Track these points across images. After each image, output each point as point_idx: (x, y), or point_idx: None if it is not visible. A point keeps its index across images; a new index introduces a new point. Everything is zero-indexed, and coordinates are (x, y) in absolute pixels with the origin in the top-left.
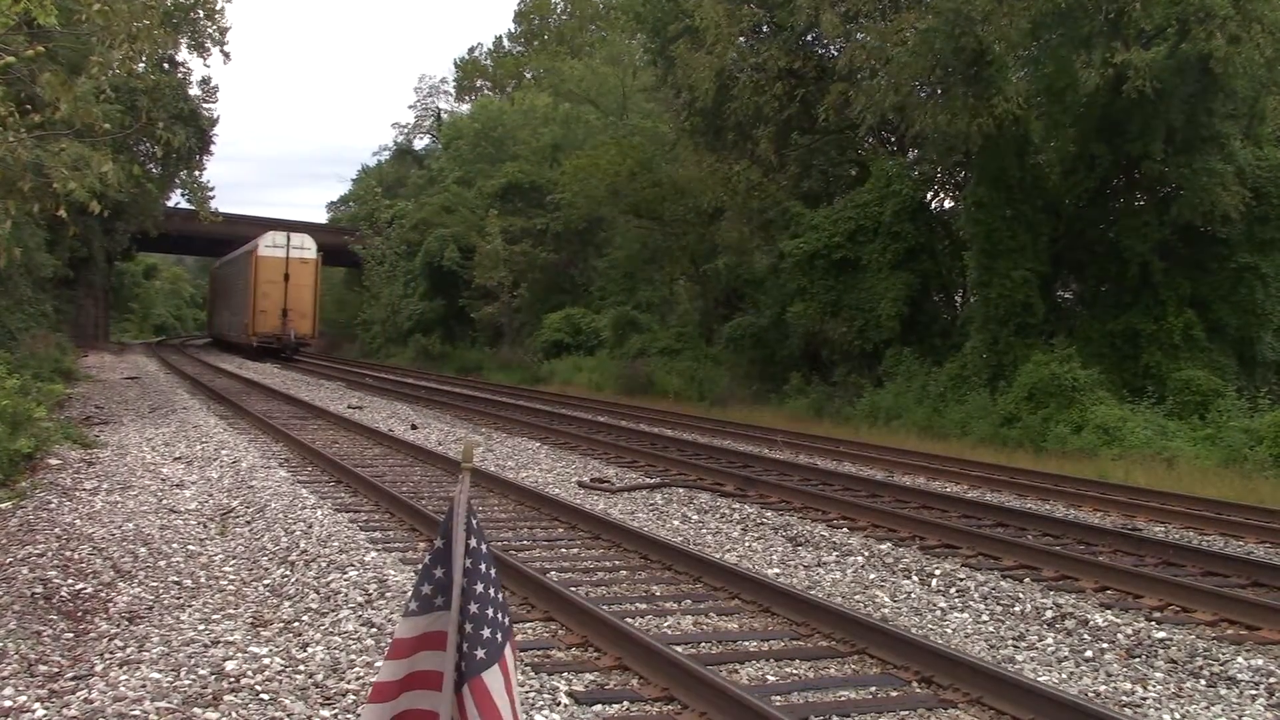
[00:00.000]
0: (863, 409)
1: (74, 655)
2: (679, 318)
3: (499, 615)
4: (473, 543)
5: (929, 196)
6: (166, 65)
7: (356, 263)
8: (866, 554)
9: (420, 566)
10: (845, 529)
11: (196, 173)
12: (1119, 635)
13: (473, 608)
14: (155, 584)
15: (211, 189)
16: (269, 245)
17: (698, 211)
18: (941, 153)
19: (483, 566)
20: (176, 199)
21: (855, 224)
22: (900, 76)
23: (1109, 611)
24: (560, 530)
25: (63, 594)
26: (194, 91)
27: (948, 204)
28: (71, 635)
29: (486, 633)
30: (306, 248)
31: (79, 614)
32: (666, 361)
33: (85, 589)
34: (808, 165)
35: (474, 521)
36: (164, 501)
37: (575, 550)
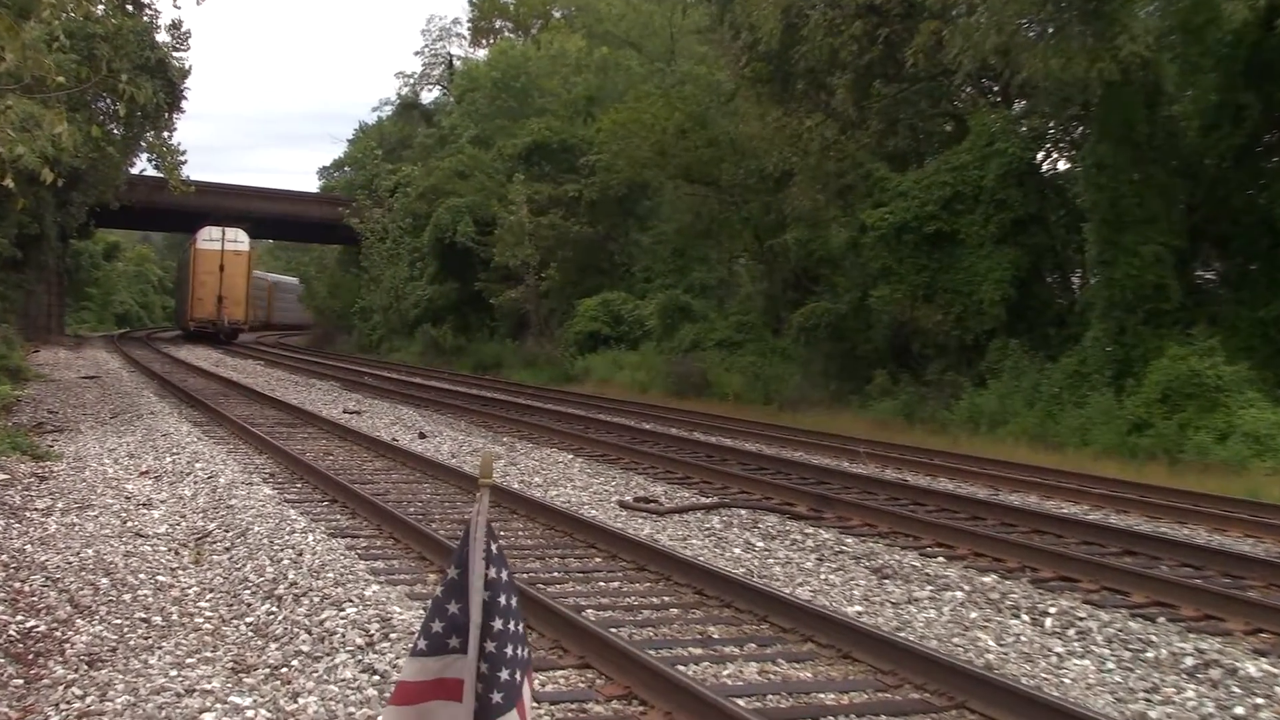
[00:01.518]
0: (961, 413)
1: (24, 706)
2: (740, 303)
3: (519, 650)
4: (492, 572)
5: (1040, 157)
6: (130, 6)
7: (353, 239)
8: (967, 588)
9: (431, 601)
10: (941, 558)
11: (165, 134)
12: (1276, 689)
13: (490, 646)
14: (119, 621)
15: (183, 153)
16: (206, 239)
17: (761, 176)
18: (1055, 104)
19: (503, 599)
20: (142, 165)
21: (951, 190)
22: (1004, 13)
23: (1264, 660)
24: (598, 560)
25: (10, 633)
26: (162, 38)
27: (1062, 166)
28: (21, 682)
29: (505, 674)
30: (240, 241)
31: (29, 656)
32: (725, 356)
33: (37, 627)
34: (893, 120)
35: (494, 548)
36: (129, 524)
37: (616, 584)
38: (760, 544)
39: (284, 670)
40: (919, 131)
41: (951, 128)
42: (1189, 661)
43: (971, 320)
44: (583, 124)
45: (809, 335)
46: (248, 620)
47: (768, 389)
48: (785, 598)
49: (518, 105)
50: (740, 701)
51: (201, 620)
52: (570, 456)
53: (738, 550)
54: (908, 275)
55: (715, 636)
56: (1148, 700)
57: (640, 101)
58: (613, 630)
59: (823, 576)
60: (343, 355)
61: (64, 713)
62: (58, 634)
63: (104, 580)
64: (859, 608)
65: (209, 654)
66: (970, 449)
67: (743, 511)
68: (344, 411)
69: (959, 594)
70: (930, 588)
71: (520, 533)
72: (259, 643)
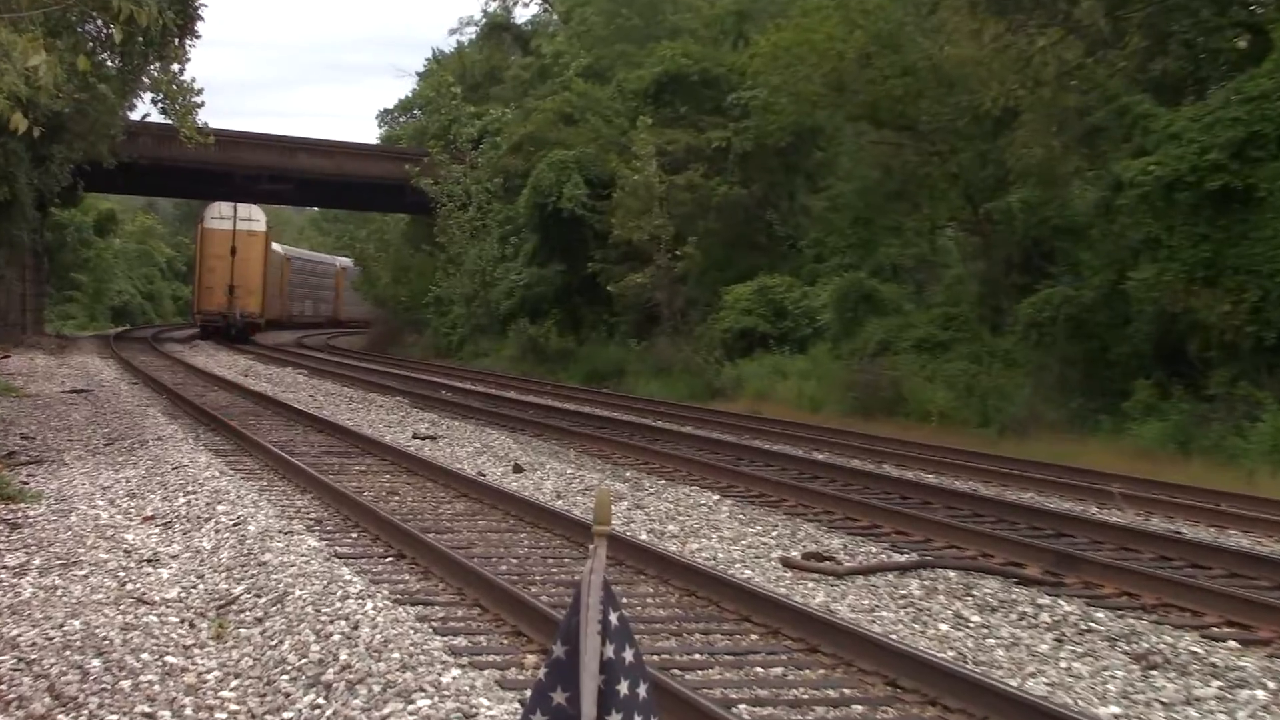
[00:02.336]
0: (1261, 441)
1: None
2: (946, 290)
3: None
4: (611, 650)
5: None
6: None
7: (425, 206)
8: (1272, 686)
9: (531, 689)
10: (1233, 642)
11: (176, 67)
12: None
13: None
14: (114, 717)
15: (199, 92)
16: (215, 217)
17: (976, 115)
18: None
19: (624, 686)
20: (146, 109)
21: (1245, 130)
22: None
23: None
24: (754, 637)
25: None
26: None
27: None
28: None
29: None
30: (255, 219)
31: None
32: (926, 362)
33: None
34: (1161, 35)
35: (614, 618)
36: (128, 587)
37: (778, 670)
38: (976, 618)
39: None
40: (1198, 50)
41: (1246, 43)
42: None
43: (1273, 312)
44: (731, 49)
45: (1041, 333)
46: (285, 716)
47: (984, 406)
48: (1012, 693)
49: (643, 25)
50: None
51: (224, 717)
52: (716, 497)
53: (945, 626)
54: (1181, 249)
55: None
56: None
57: (809, 17)
58: None
59: (1064, 664)
60: (411, 361)
61: None
62: None
63: (95, 662)
64: (1116, 709)
65: None
66: (1274, 491)
67: (951, 573)
68: (414, 437)
69: (1260, 694)
70: (1217, 684)
71: (649, 600)
72: None
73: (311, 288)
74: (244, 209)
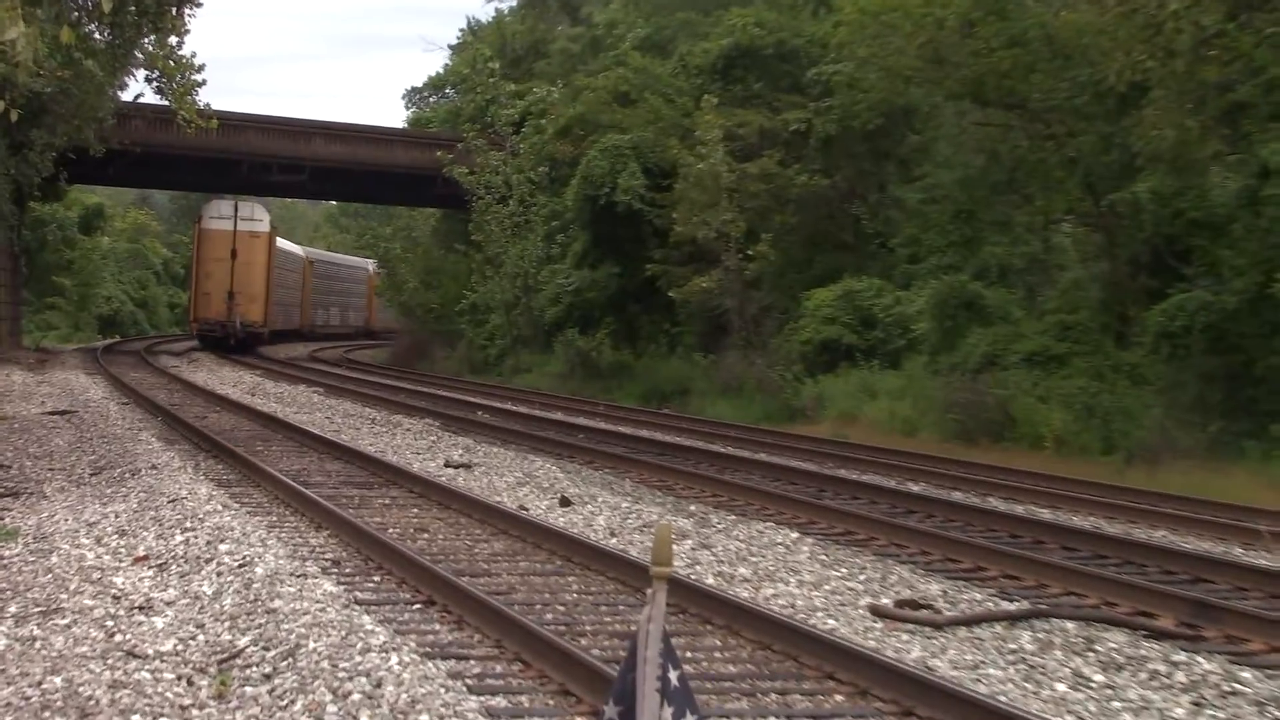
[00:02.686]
0: None
1: None
2: (1063, 295)
3: None
4: (669, 714)
5: None
6: None
7: (459, 199)
8: None
9: None
10: None
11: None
12: None
13: None
14: None
15: (200, 69)
16: (214, 216)
17: (1097, 92)
18: None
19: None
20: (139, 88)
21: None
22: None
23: None
24: (839, 698)
25: None
26: None
27: None
28: None
29: None
30: (258, 219)
31: None
32: (1039, 378)
33: None
34: None
35: (674, 677)
36: (118, 638)
37: None
38: (1099, 677)
39: None
40: None
41: None
42: None
43: None
44: (812, 17)
45: (1175, 345)
46: None
47: (1108, 430)
48: None
49: None
50: None
51: None
52: (795, 535)
53: (1062, 686)
54: None
55: None
56: None
57: None
58: None
59: None
60: (443, 377)
61: None
62: None
63: None
64: None
65: None
66: None
67: (1070, 624)
68: (446, 465)
69: None
70: None
71: (717, 654)
72: None
73: (339, 294)
74: (245, 207)
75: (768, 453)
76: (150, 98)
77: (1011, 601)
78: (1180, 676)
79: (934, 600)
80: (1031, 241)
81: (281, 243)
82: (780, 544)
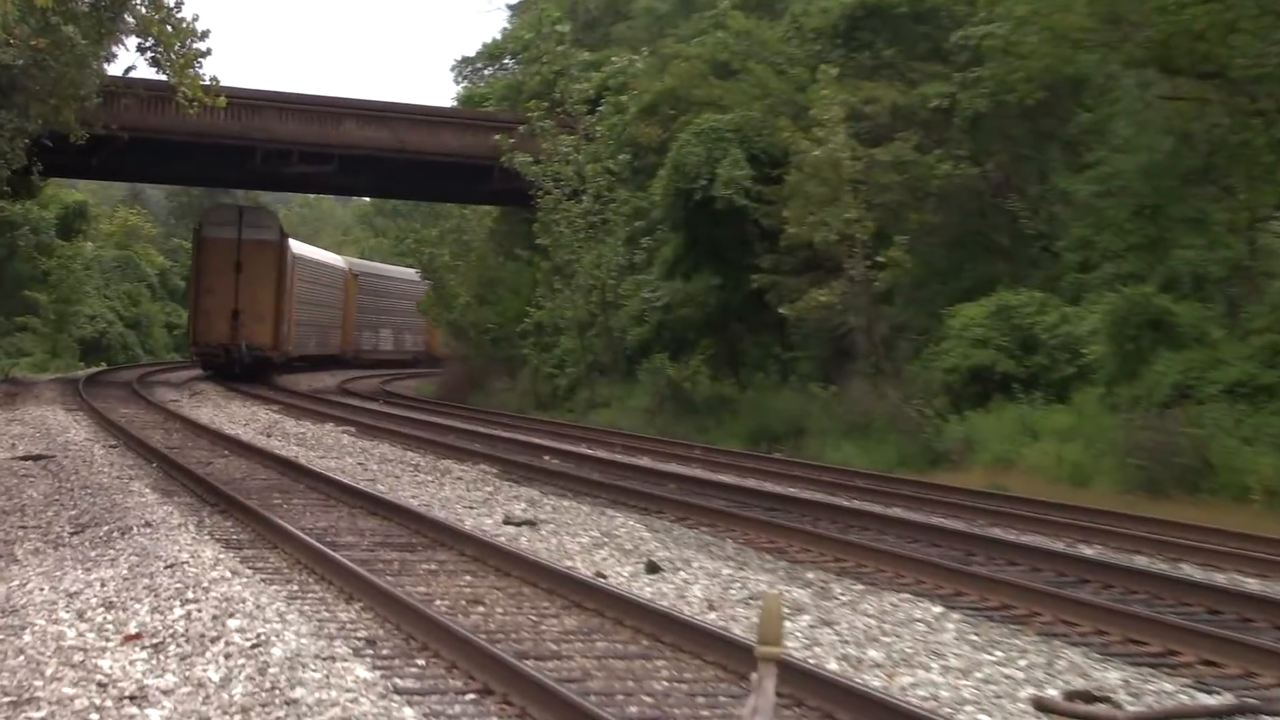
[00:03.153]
0: None
1: None
2: (1272, 311)
3: None
4: None
5: None
6: None
7: (520, 195)
8: None
9: None
10: None
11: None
12: None
13: None
14: None
15: (204, 36)
16: (214, 224)
17: None
18: None
19: None
20: (130, 59)
21: None
22: None
23: None
24: None
25: None
26: None
27: None
28: None
29: None
30: (265, 225)
31: None
32: (1243, 415)
33: None
34: None
35: None
36: None
37: None
38: None
39: None
40: None
41: None
42: None
43: None
44: None
45: None
46: None
47: None
48: None
49: None
50: None
51: None
52: (939, 610)
53: None
54: None
55: None
56: None
57: None
58: None
59: None
60: (502, 414)
61: None
62: None
63: None
64: None
65: None
66: None
67: None
68: (506, 522)
69: None
70: None
71: None
72: None
73: (392, 313)
74: (251, 213)
75: (904, 507)
76: (144, 71)
77: (1211, 694)
78: None
79: (1113, 692)
80: (1234, 244)
81: (312, 251)
82: (920, 621)
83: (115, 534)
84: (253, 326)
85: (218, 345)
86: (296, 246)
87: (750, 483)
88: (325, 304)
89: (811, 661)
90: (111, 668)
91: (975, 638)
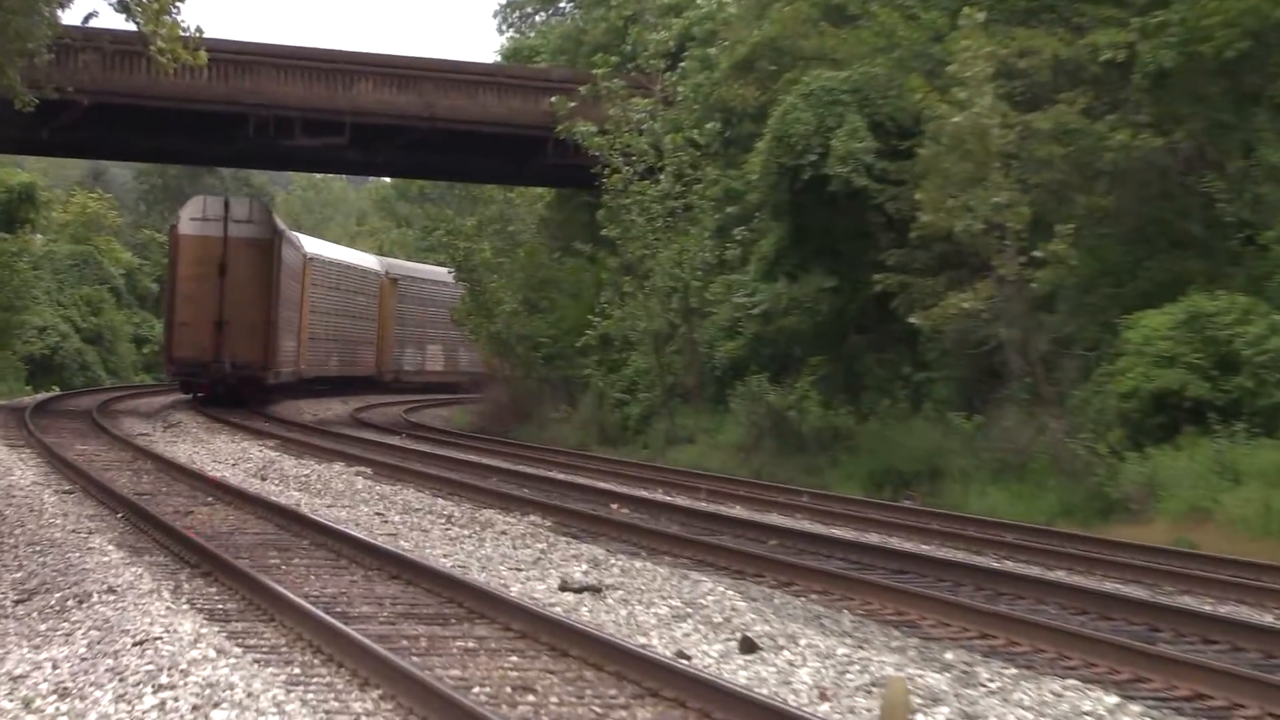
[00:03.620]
0: None
1: None
2: None
3: None
4: None
5: None
6: None
7: (580, 174)
8: None
9: None
10: None
11: None
12: None
13: None
14: None
15: None
16: (195, 218)
17: None
18: None
19: None
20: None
21: None
22: None
23: None
24: None
25: None
26: None
27: None
28: None
29: None
30: (255, 219)
31: None
32: None
33: None
34: None
35: None
36: None
37: None
38: None
39: None
40: None
41: None
42: None
43: None
44: None
45: None
46: None
47: None
48: None
49: None
50: None
51: None
52: (1114, 700)
53: None
54: None
55: None
56: None
57: None
58: None
59: None
60: (558, 450)
61: None
62: None
63: None
64: None
65: None
66: None
67: None
68: (563, 588)
69: None
70: None
71: None
72: None
73: (441, 325)
74: (240, 205)
75: (1068, 569)
76: (109, 20)
77: None
78: None
79: None
80: None
81: (333, 251)
82: (1090, 714)
83: (71, 602)
84: (239, 340)
85: (196, 363)
86: (310, 245)
87: (872, 538)
88: (352, 314)
89: None
90: None
91: None
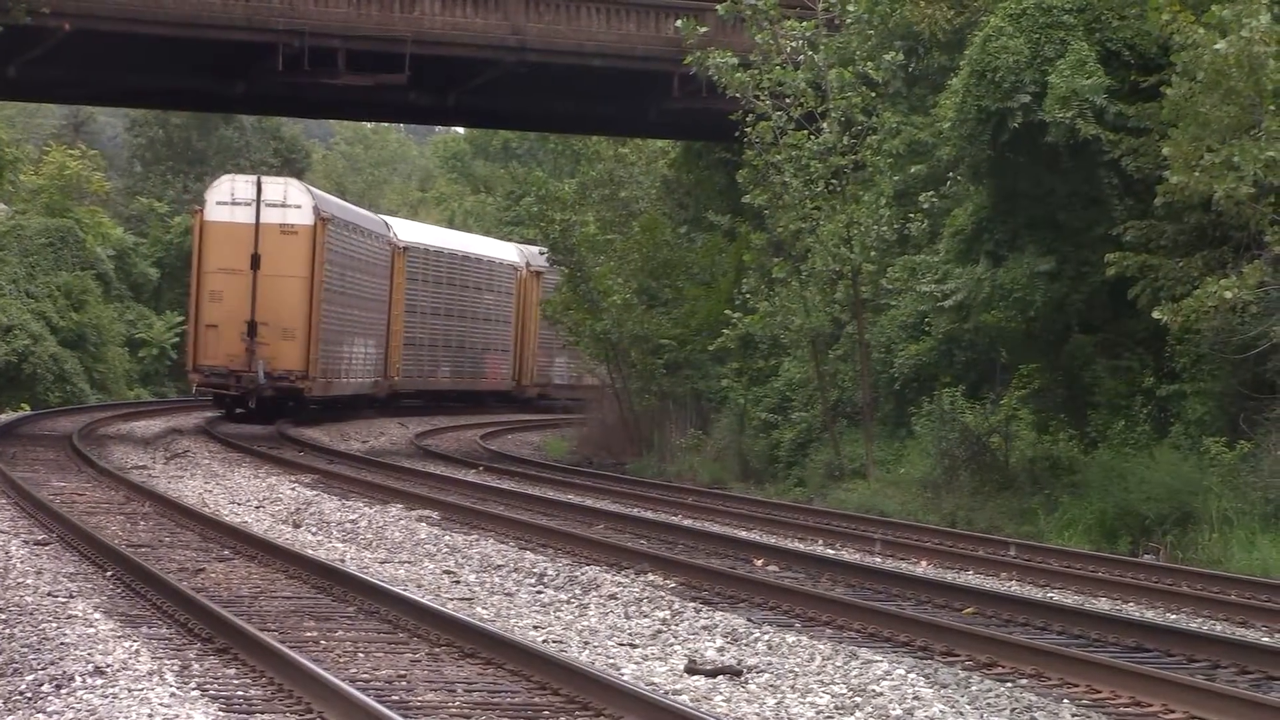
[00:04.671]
0: None
1: None
2: None
3: None
4: None
5: None
6: None
7: (714, 123)
8: None
9: None
10: None
11: None
12: None
13: None
14: None
15: None
16: (223, 201)
17: None
18: None
19: None
20: None
21: None
22: None
23: None
24: None
25: None
26: None
27: None
28: None
29: None
30: (293, 203)
31: None
32: None
33: None
34: None
35: None
36: None
37: None
38: None
39: None
40: None
41: None
42: None
43: None
44: None
45: None
46: None
47: None
48: None
49: None
50: None
51: None
52: None
53: None
54: None
55: None
56: None
57: None
58: None
59: None
60: (682, 487)
61: None
62: None
63: None
64: None
65: None
66: None
67: None
68: (690, 670)
69: None
70: None
71: None
72: None
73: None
74: (274, 186)
75: None
76: None
77: None
78: None
79: None
80: None
81: (438, 237)
82: None
83: (46, 687)
84: (275, 346)
85: (225, 371)
86: (406, 231)
87: (1101, 604)
88: (472, 315)
89: None
90: None
91: None
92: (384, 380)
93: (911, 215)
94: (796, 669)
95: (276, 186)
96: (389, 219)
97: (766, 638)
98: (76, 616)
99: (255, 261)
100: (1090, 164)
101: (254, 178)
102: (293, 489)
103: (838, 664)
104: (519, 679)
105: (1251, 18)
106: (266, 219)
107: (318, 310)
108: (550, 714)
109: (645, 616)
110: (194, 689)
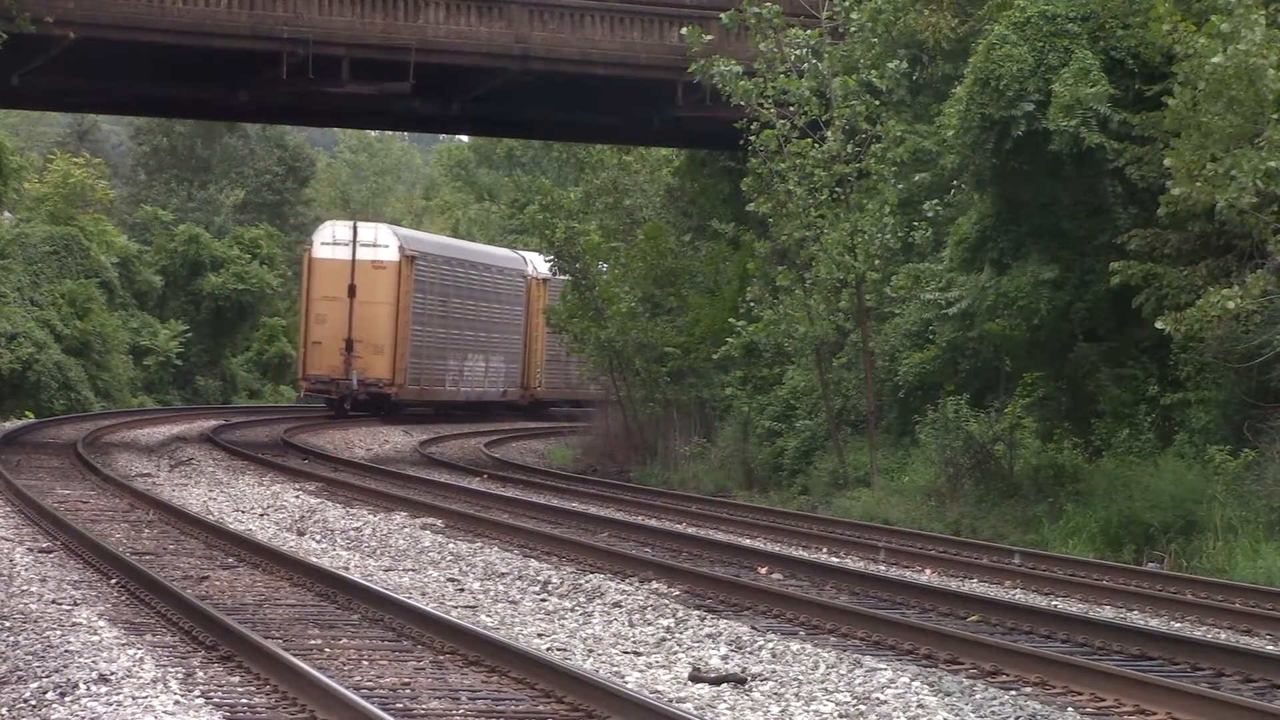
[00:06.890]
0: None
1: None
2: None
3: None
4: None
5: None
6: None
7: (718, 132)
8: None
9: None
10: None
11: None
12: None
13: None
14: None
15: None
16: (327, 242)
17: None
18: None
19: None
20: None
21: None
22: None
23: None
24: None
25: None
26: None
27: None
28: None
29: None
30: (383, 244)
31: None
32: None
33: None
34: None
35: None
36: None
37: None
38: None
39: None
40: None
41: None
42: None
43: None
44: None
45: None
46: None
47: None
48: None
49: None
50: None
51: None
52: None
53: None
54: None
55: None
56: None
57: None
58: None
59: None
60: (687, 495)
61: None
62: None
63: None
64: None
65: None
66: None
67: None
68: (693, 679)
69: None
70: None
71: None
72: None
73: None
74: (368, 229)
75: None
76: None
77: None
78: None
79: None
80: None
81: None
82: None
83: (51, 695)
84: (367, 358)
85: (328, 380)
86: (545, 266)
87: (1106, 612)
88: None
89: None
90: None
91: None
92: (519, 390)
93: (916, 223)
94: (800, 677)
95: (369, 229)
96: (526, 254)
97: (770, 646)
98: (81, 624)
99: (352, 290)
100: (1094, 172)
101: (351, 223)
102: (297, 497)
103: (842, 672)
104: (523, 687)
105: (1250, 29)
106: (360, 256)
107: (404, 330)
108: None
109: (649, 624)
110: (198, 697)
